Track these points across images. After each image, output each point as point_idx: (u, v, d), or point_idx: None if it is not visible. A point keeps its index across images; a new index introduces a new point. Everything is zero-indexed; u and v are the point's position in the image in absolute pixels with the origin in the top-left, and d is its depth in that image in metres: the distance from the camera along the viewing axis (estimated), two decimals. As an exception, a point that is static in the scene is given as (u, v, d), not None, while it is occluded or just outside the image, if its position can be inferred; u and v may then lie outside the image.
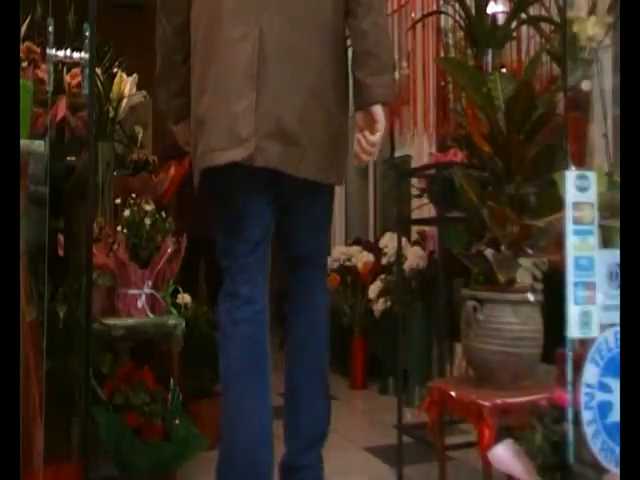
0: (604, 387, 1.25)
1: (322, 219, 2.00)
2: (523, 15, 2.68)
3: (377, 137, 1.80)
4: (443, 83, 3.68)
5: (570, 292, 1.25)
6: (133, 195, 2.55)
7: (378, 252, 3.80)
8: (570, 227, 1.26)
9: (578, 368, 1.24)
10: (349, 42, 1.87)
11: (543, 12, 2.75)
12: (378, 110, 1.78)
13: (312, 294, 2.01)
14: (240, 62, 1.70)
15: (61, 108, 2.24)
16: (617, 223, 1.36)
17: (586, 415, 1.22)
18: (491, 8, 2.69)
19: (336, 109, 1.83)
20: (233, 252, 1.84)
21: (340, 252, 4.17)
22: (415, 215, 3.49)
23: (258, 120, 1.69)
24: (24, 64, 2.25)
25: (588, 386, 1.24)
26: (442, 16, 3.49)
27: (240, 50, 1.70)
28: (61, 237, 2.48)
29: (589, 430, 1.22)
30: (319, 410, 2.00)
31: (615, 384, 1.25)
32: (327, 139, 1.81)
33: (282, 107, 1.72)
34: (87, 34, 1.95)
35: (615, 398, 1.24)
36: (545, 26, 2.69)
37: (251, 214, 1.81)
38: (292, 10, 1.73)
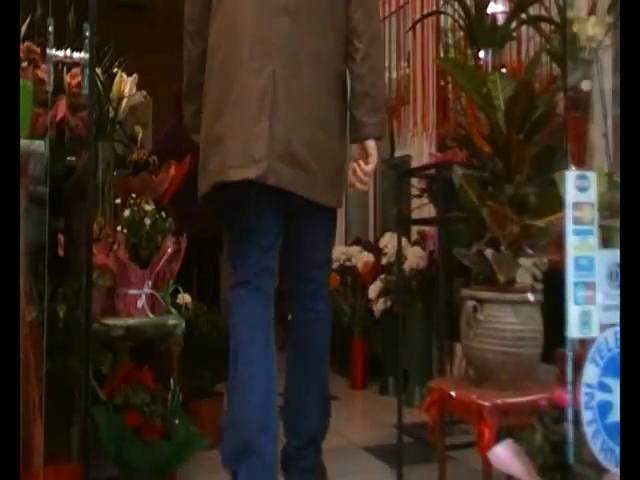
0: (604, 387, 1.25)
1: (327, 234, 2.17)
2: (523, 15, 2.67)
3: (370, 167, 2.02)
4: (443, 83, 3.68)
5: (570, 292, 1.25)
6: (133, 195, 2.55)
7: (378, 252, 3.79)
8: (570, 227, 1.26)
9: (578, 368, 1.24)
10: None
11: (543, 12, 2.75)
12: (372, 144, 2.02)
13: (316, 295, 2.12)
14: (256, 92, 1.91)
15: (61, 108, 2.24)
16: (617, 223, 1.36)
17: (586, 415, 1.22)
18: (491, 8, 2.69)
19: (337, 139, 2.04)
20: (247, 254, 2.02)
21: (340, 252, 4.16)
22: (415, 215, 3.49)
23: (270, 144, 1.89)
24: (24, 64, 2.25)
25: (588, 386, 1.24)
26: (442, 16, 3.49)
27: (257, 82, 1.91)
28: (61, 237, 2.48)
29: (589, 430, 1.22)
30: (318, 412, 2.12)
31: (615, 384, 1.25)
32: (332, 166, 2.02)
33: (292, 134, 1.92)
34: (87, 34, 1.94)
35: (615, 398, 1.24)
36: (545, 26, 2.68)
37: (264, 224, 2.01)
38: (300, 50, 1.95)
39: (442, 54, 3.56)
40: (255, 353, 1.94)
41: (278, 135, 1.89)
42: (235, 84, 1.93)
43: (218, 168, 1.93)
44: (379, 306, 3.62)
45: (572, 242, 1.26)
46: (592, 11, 2.33)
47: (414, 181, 3.06)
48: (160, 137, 4.66)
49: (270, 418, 1.90)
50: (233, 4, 1.98)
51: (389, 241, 3.65)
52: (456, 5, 2.75)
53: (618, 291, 1.30)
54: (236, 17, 1.96)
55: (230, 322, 2.01)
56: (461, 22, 2.74)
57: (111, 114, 2.67)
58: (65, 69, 2.53)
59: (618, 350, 1.26)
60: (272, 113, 1.89)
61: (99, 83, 2.54)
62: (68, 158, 2.53)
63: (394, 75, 4.16)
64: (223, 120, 1.94)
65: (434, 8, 3.67)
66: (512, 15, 2.62)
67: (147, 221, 2.42)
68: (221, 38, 2.00)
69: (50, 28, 1.98)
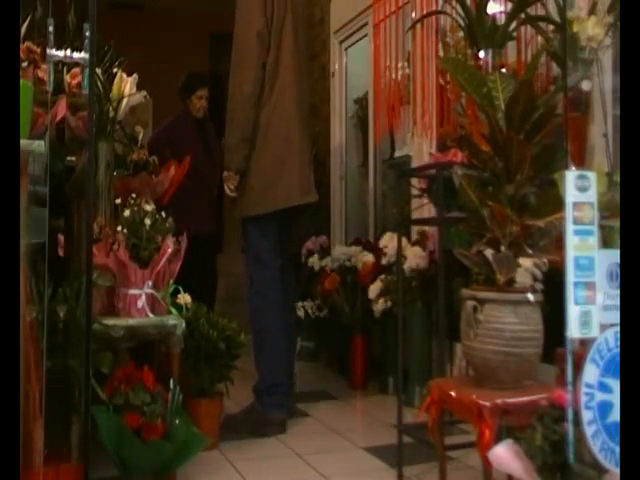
0: (604, 387, 1.25)
1: None
2: (523, 15, 2.67)
3: None
4: (443, 83, 3.68)
5: (570, 292, 1.25)
6: (133, 195, 2.54)
7: (378, 252, 3.79)
8: (570, 227, 1.26)
9: (578, 368, 1.24)
10: None
11: (543, 12, 2.74)
12: None
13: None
14: (299, 151, 3.10)
15: (61, 108, 2.24)
16: (617, 223, 1.36)
17: (586, 415, 1.22)
18: (491, 8, 2.69)
19: None
20: (273, 254, 3.12)
21: (340, 252, 4.16)
22: (415, 215, 3.49)
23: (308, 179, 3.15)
24: (24, 64, 2.25)
25: (588, 386, 1.24)
26: (442, 16, 3.48)
27: (300, 146, 3.10)
28: (61, 237, 2.48)
29: (589, 430, 1.22)
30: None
31: (615, 384, 1.25)
32: None
33: (310, 172, 3.20)
34: (87, 34, 1.94)
35: (615, 398, 1.24)
36: (543, 25, 2.68)
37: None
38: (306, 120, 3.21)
39: (442, 54, 3.55)
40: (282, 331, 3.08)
41: (309, 173, 3.15)
42: (291, 145, 3.06)
43: (285, 197, 3.03)
44: (379, 306, 3.62)
45: (572, 242, 1.26)
46: (592, 11, 2.33)
47: (414, 181, 3.06)
48: (168, 122, 4.68)
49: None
50: (281, 91, 3.03)
51: (389, 241, 3.65)
52: (457, 7, 2.75)
53: (618, 291, 1.30)
54: (285, 103, 3.04)
55: (256, 302, 3.10)
56: (461, 22, 2.74)
57: (111, 114, 2.67)
58: (65, 69, 2.53)
59: (618, 350, 1.26)
60: (308, 162, 3.16)
61: (99, 83, 2.54)
62: (68, 158, 2.53)
63: (394, 75, 4.16)
64: (287, 166, 3.04)
65: (434, 8, 3.67)
66: (512, 15, 2.62)
67: (147, 221, 2.42)
68: (274, 116, 3.03)
69: (50, 28, 1.98)
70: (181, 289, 2.60)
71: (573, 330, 1.24)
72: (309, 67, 3.46)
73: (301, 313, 4.43)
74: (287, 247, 3.30)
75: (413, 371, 3.30)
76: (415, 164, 3.85)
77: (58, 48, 2.03)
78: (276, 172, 3.03)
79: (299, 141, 3.08)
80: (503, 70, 2.50)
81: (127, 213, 2.43)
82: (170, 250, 2.46)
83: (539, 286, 2.44)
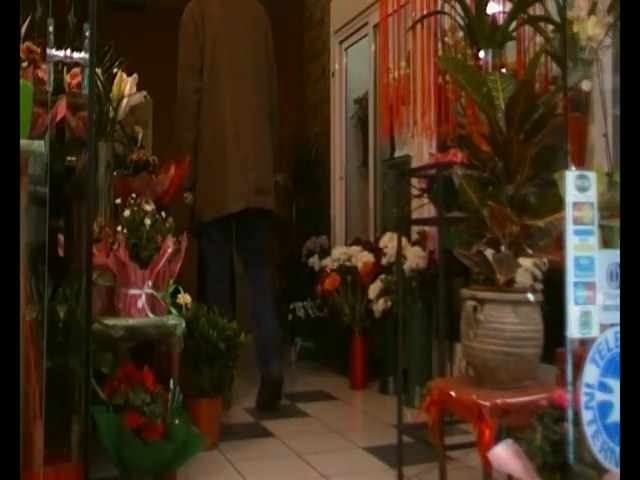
0: (604, 387, 1.25)
1: (266, 228, 3.68)
2: (523, 15, 2.67)
3: None
4: (443, 83, 3.68)
5: (570, 292, 1.25)
6: (133, 195, 2.55)
7: (378, 252, 3.80)
8: (570, 227, 1.26)
9: (578, 368, 1.24)
10: None
11: (543, 12, 2.74)
12: None
13: (260, 264, 3.58)
14: (237, 161, 3.39)
15: (61, 108, 2.24)
16: (617, 223, 1.36)
17: (586, 415, 1.22)
18: (491, 8, 2.68)
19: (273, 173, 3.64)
20: (220, 258, 3.55)
21: (340, 252, 4.16)
22: (415, 215, 3.49)
23: (248, 186, 3.37)
24: (24, 64, 2.25)
25: (588, 386, 1.24)
26: (443, 16, 3.48)
27: (237, 155, 3.38)
28: (61, 237, 2.48)
29: (589, 430, 1.22)
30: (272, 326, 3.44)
31: (615, 384, 1.25)
32: (272, 189, 3.55)
33: (258, 177, 3.41)
34: (87, 34, 1.94)
35: (615, 398, 1.24)
36: (543, 25, 2.68)
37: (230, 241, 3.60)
38: (261, 133, 3.47)
39: (441, 54, 3.55)
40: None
41: (252, 180, 3.37)
42: (224, 157, 3.36)
43: (221, 205, 3.32)
44: (379, 306, 3.62)
45: (572, 242, 1.26)
46: (592, 11, 2.33)
47: (414, 181, 3.06)
48: None
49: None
50: (217, 112, 3.35)
51: (389, 241, 3.65)
52: (457, 6, 2.75)
53: (618, 291, 1.30)
54: (221, 123, 3.34)
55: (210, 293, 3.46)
56: (461, 22, 2.74)
57: (111, 114, 2.67)
58: (65, 69, 2.53)
59: (618, 350, 1.26)
60: (247, 170, 3.37)
61: (99, 83, 2.54)
62: (68, 158, 2.53)
63: (394, 75, 4.15)
64: (221, 178, 3.34)
65: (434, 8, 3.66)
66: (512, 15, 2.62)
67: (147, 221, 2.42)
68: (209, 135, 3.36)
69: (50, 28, 1.98)
70: (181, 289, 2.61)
71: (573, 330, 1.25)
72: (267, 70, 3.58)
73: (301, 313, 4.43)
74: (251, 248, 3.54)
75: (413, 371, 3.30)
76: (415, 164, 3.85)
77: (58, 48, 2.02)
78: (211, 186, 3.37)
79: (235, 156, 3.35)
80: (503, 70, 2.50)
81: (127, 213, 2.43)
82: (170, 250, 2.46)
83: (539, 286, 2.44)
